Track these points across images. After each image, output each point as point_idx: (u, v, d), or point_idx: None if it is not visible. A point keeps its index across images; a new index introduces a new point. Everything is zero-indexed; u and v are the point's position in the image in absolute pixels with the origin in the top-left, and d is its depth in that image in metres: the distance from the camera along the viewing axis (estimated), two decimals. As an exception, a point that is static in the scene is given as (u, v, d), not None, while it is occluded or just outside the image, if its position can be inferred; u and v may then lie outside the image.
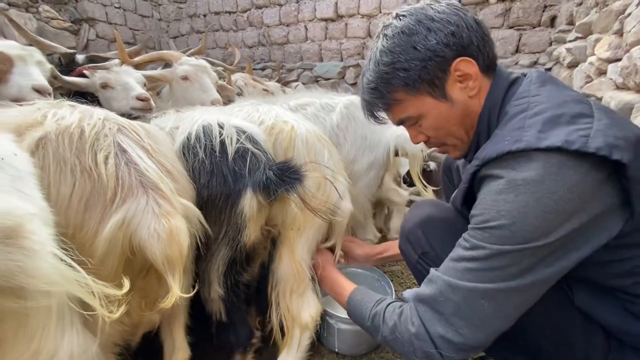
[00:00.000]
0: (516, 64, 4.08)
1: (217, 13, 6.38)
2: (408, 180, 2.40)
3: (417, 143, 0.93)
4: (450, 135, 0.87)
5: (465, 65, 0.78)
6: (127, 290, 0.59)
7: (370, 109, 0.91)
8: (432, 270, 0.76)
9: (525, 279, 0.65)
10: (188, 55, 2.27)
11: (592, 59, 2.34)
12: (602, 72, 2.19)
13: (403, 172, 2.35)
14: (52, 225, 0.58)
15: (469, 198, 0.79)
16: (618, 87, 1.90)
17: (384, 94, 0.85)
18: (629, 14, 1.85)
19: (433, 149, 2.50)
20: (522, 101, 0.73)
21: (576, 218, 0.62)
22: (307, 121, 1.34)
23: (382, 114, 0.92)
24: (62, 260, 0.51)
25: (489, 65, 0.81)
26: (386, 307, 0.84)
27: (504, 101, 0.80)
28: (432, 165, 2.45)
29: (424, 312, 0.74)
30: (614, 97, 1.78)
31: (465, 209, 0.82)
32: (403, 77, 0.80)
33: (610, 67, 2.02)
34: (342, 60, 5.39)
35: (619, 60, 1.87)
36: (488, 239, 0.66)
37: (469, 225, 0.72)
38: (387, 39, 0.81)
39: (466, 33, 0.77)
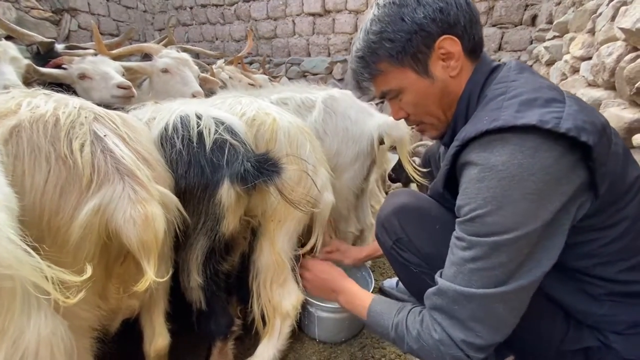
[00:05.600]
0: (498, 61, 4.17)
1: (203, 6, 6.26)
2: (393, 177, 2.45)
3: (398, 119, 0.95)
4: (428, 113, 0.90)
5: (450, 44, 0.80)
6: (89, 277, 0.60)
7: (356, 78, 0.92)
8: (440, 280, 0.75)
9: (533, 274, 0.68)
10: (160, 44, 2.24)
11: (567, 57, 2.41)
12: (575, 70, 2.26)
13: (388, 168, 2.40)
14: (15, 211, 0.58)
15: (451, 181, 0.80)
16: (589, 85, 1.96)
17: (369, 64, 0.86)
18: (601, 14, 1.92)
19: (417, 143, 2.54)
20: (501, 85, 0.76)
21: (557, 199, 0.65)
22: (289, 113, 1.33)
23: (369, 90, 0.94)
24: (17, 245, 0.52)
25: (473, 48, 0.83)
26: (407, 315, 0.83)
27: (484, 85, 0.82)
28: (416, 160, 2.50)
29: (441, 319, 0.74)
30: (585, 94, 1.84)
31: (447, 192, 0.84)
32: (388, 47, 0.82)
33: (583, 65, 2.08)
34: (329, 55, 5.39)
35: (591, 58, 1.94)
36: (480, 230, 0.67)
37: (458, 220, 0.72)
38: (378, 8, 0.82)
39: (454, 11, 0.78)
